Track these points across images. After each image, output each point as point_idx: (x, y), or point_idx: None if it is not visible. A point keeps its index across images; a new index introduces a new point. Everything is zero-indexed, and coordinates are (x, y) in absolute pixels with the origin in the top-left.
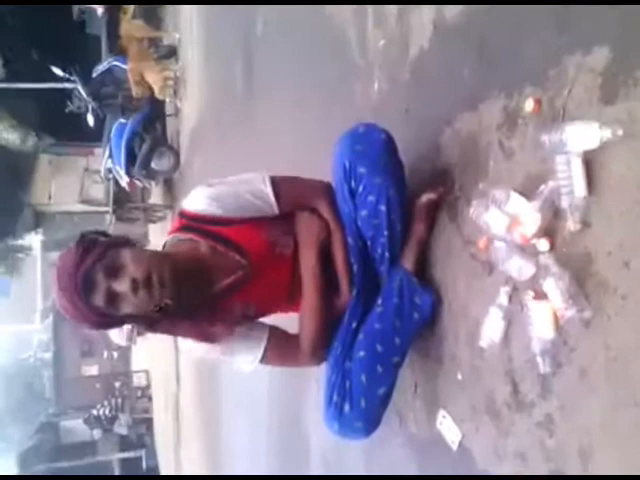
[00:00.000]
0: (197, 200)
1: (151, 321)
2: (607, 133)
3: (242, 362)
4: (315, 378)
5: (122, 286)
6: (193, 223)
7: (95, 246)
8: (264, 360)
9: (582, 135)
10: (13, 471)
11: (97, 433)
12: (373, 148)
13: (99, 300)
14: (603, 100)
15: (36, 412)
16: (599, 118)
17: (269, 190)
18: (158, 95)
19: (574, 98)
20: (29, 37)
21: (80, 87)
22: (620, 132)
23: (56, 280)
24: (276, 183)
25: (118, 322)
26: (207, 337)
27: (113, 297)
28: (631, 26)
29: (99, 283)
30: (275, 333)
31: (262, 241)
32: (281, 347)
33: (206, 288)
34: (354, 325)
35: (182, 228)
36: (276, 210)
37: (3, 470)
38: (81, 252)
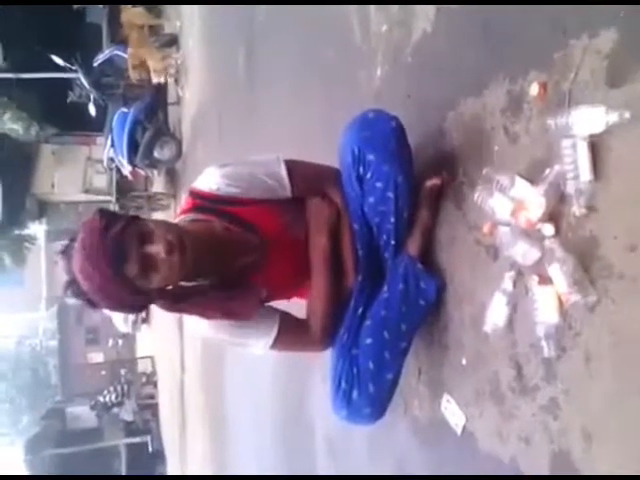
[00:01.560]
0: (211, 179)
1: (176, 298)
2: (614, 117)
3: (254, 346)
4: (319, 364)
5: (157, 248)
6: (207, 203)
7: (118, 217)
8: (275, 345)
9: (588, 119)
10: (20, 456)
11: (115, 412)
12: (382, 135)
13: (132, 268)
14: (610, 83)
15: (43, 399)
16: (605, 101)
17: (283, 172)
18: (154, 77)
19: (580, 81)
20: (30, 27)
21: (81, 76)
22: (627, 115)
23: (81, 251)
24: (290, 165)
25: (144, 299)
26: (235, 314)
27: (148, 262)
28: (639, 7)
29: (131, 249)
30: (286, 318)
31: (277, 223)
32: (292, 332)
33: (223, 268)
34: (360, 311)
35: (195, 208)
36: (289, 192)
37: (11, 455)
38: (106, 221)
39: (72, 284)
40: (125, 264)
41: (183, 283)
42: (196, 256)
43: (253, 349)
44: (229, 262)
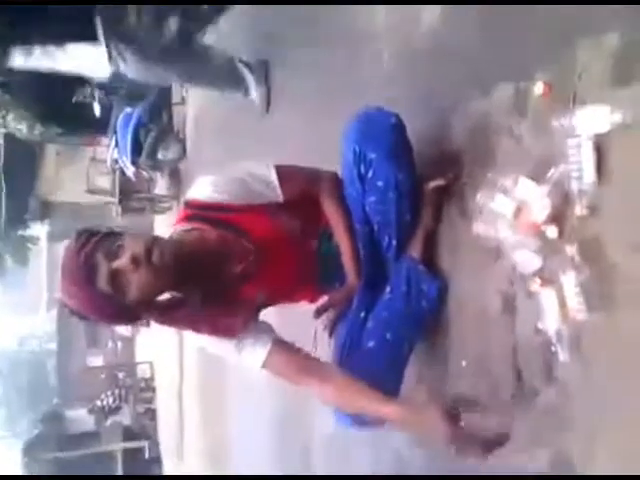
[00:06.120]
0: (202, 188)
1: (164, 310)
2: (618, 117)
3: (245, 361)
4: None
5: (122, 262)
6: (199, 212)
7: (94, 235)
8: (267, 363)
9: (593, 119)
10: (18, 459)
11: (113, 417)
12: (383, 133)
13: (103, 283)
14: (615, 82)
15: (41, 401)
16: (611, 101)
17: (274, 176)
18: None
19: (585, 81)
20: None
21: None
22: (632, 115)
23: (62, 272)
24: (280, 170)
25: (130, 312)
26: (222, 330)
27: (115, 276)
28: None
29: (100, 265)
30: (281, 340)
31: (269, 227)
32: (285, 351)
33: (216, 276)
34: (362, 315)
35: (188, 218)
36: (280, 196)
37: (9, 458)
38: (81, 242)
39: (64, 303)
40: (97, 280)
41: (173, 294)
42: (181, 262)
43: (249, 362)
44: (222, 269)
